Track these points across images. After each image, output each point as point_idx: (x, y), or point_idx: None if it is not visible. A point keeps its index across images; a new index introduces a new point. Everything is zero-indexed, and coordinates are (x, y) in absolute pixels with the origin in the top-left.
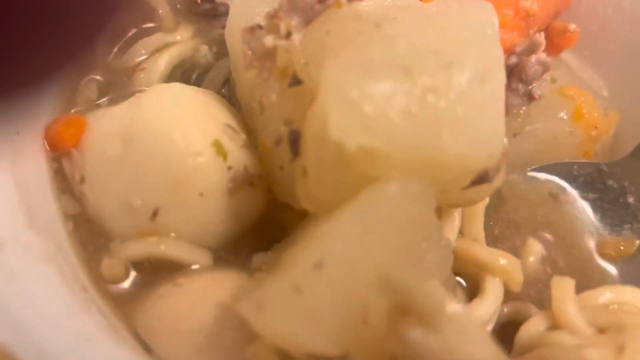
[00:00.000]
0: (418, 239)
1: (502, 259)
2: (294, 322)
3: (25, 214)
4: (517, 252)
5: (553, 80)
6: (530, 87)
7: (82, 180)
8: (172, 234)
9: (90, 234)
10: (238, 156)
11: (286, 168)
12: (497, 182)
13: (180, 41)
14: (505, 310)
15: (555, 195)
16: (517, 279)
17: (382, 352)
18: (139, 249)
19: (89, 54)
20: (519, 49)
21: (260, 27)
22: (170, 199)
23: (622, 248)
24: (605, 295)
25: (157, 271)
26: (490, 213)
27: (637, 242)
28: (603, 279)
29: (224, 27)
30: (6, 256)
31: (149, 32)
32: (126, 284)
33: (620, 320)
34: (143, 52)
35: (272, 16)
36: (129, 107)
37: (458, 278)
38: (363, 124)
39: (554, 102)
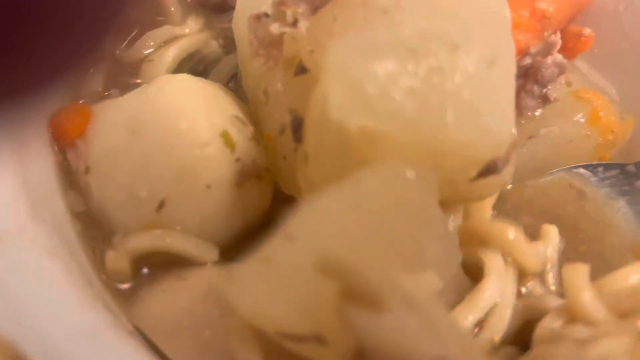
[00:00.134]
0: (411, 228)
1: (510, 232)
2: (262, 295)
3: (29, 206)
4: None
5: (568, 84)
6: (545, 90)
7: (87, 170)
8: (178, 227)
9: (95, 227)
10: (246, 148)
11: (290, 158)
12: (507, 176)
13: (189, 34)
14: (521, 305)
15: (582, 193)
16: (529, 254)
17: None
18: (144, 241)
19: (100, 47)
20: (533, 50)
21: (266, 15)
22: (177, 191)
23: None
24: (630, 277)
25: (162, 265)
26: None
27: None
28: None
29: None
30: (10, 249)
31: (157, 24)
32: (130, 278)
33: None
34: (151, 44)
35: (279, 3)
36: (136, 96)
37: None
38: (365, 104)
39: (569, 105)
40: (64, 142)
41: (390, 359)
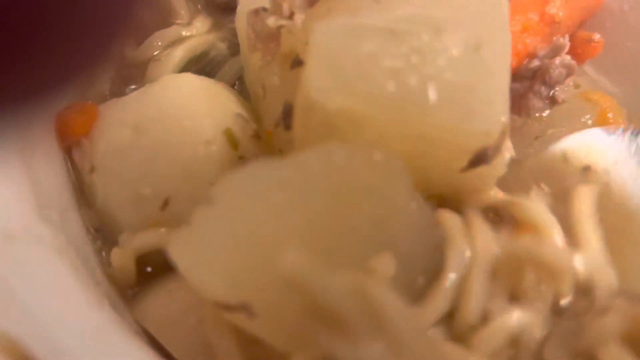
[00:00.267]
0: (373, 213)
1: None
2: (189, 257)
3: (36, 206)
4: None
5: (576, 86)
6: (553, 91)
7: (92, 169)
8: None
9: (101, 226)
10: (249, 146)
11: (285, 150)
12: (500, 166)
13: (197, 34)
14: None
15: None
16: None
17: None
18: (149, 240)
19: (110, 50)
20: (541, 52)
21: (264, 9)
22: (181, 189)
23: None
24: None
25: (167, 264)
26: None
27: None
28: None
29: None
30: (17, 248)
31: (166, 25)
32: (135, 277)
33: None
34: (159, 44)
35: None
36: (141, 95)
37: None
38: (344, 84)
39: (577, 106)
40: (70, 141)
41: None
